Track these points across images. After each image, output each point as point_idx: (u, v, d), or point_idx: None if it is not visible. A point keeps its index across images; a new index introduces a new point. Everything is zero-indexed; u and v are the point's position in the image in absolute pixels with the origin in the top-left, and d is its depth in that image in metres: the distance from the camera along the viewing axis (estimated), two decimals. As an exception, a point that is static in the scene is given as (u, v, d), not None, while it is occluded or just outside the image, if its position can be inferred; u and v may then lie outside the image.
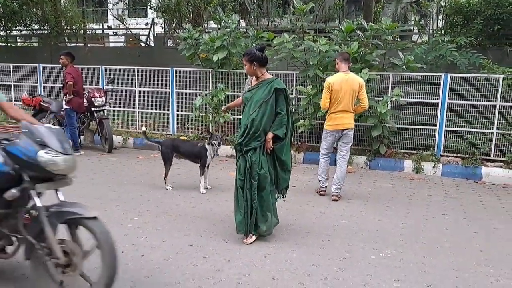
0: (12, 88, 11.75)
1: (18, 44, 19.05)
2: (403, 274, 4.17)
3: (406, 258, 4.52)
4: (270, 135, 4.75)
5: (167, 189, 6.77)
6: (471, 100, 8.24)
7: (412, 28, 16.34)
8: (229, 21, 9.48)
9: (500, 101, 8.10)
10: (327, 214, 5.87)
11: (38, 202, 3.23)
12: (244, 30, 11.73)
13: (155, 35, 18.23)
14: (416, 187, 7.35)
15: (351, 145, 6.74)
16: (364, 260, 4.45)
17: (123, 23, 18.78)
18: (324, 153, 6.70)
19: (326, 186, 6.73)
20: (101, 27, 21.67)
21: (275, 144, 4.80)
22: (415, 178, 7.93)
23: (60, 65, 9.27)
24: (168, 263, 4.25)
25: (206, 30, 13.42)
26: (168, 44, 17.28)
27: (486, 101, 8.17)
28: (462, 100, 8.29)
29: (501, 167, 7.94)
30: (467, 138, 8.35)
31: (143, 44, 18.26)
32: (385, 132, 8.39)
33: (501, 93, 8.08)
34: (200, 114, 9.50)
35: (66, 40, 17.91)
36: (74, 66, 9.06)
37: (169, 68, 10.29)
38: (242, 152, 4.82)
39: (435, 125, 8.50)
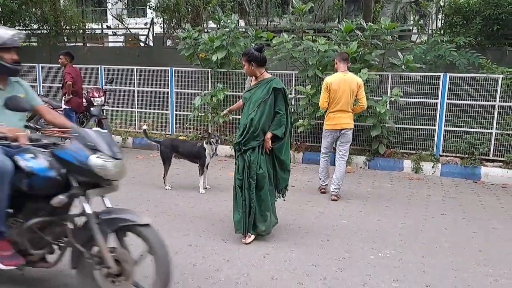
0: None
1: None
2: (402, 274, 4.17)
3: (405, 258, 4.52)
4: (269, 135, 4.75)
5: (166, 189, 6.77)
6: (470, 100, 8.25)
7: (411, 28, 16.36)
8: (228, 21, 9.48)
9: (499, 101, 8.10)
10: (326, 214, 5.88)
11: (88, 209, 3.11)
12: (244, 30, 11.73)
13: (154, 35, 18.23)
14: (415, 187, 7.35)
15: (350, 145, 6.74)
16: (363, 260, 4.45)
17: (122, 23, 18.79)
18: (324, 153, 6.74)
19: (326, 184, 6.78)
20: (100, 27, 21.64)
21: (274, 144, 4.80)
22: (414, 178, 7.94)
23: (59, 65, 9.26)
24: (167, 263, 4.25)
25: (205, 30, 13.43)
26: (167, 44, 17.28)
27: (485, 101, 8.17)
28: (461, 100, 8.30)
29: (500, 167, 7.95)
30: (466, 138, 8.35)
31: (142, 44, 18.25)
32: (384, 132, 8.39)
33: (500, 93, 8.08)
34: (199, 114, 9.50)
35: (65, 40, 17.91)
36: (73, 66, 9.05)
37: (168, 68, 10.29)
38: (240, 151, 4.82)
39: (434, 125, 8.50)
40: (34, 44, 18.44)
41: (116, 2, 19.49)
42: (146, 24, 18.28)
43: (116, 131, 10.43)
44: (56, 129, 3.45)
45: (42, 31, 16.98)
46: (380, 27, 8.55)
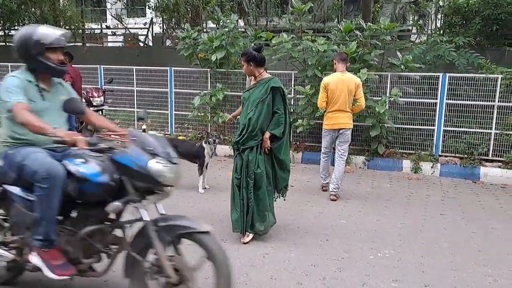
0: (11, 87, 11.71)
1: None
2: (401, 274, 4.17)
3: (404, 258, 4.53)
4: (267, 134, 4.75)
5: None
6: (469, 100, 8.25)
7: (410, 28, 16.37)
8: (228, 21, 9.48)
9: (498, 101, 8.11)
10: (326, 214, 5.88)
11: (146, 216, 2.98)
12: (243, 30, 11.73)
13: (154, 35, 18.23)
14: (414, 187, 7.36)
15: (349, 145, 6.75)
16: (362, 260, 4.45)
17: (121, 23, 18.79)
18: (323, 152, 6.79)
19: (327, 182, 6.81)
20: (99, 27, 21.65)
21: (272, 144, 4.80)
22: (413, 178, 7.94)
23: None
24: (166, 263, 4.24)
25: (205, 30, 13.43)
26: (167, 44, 17.28)
27: (485, 101, 8.17)
28: (461, 100, 8.30)
29: (499, 167, 7.95)
30: (465, 138, 8.35)
31: (141, 44, 18.25)
32: (384, 132, 8.39)
33: (500, 93, 8.08)
34: (199, 114, 9.50)
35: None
36: (73, 66, 9.04)
37: (168, 68, 10.29)
38: (239, 150, 4.83)
39: (434, 125, 8.50)
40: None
41: (116, 2, 19.51)
42: (145, 24, 18.29)
43: (115, 131, 10.39)
44: (111, 132, 3.30)
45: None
46: (380, 27, 8.55)
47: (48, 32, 3.19)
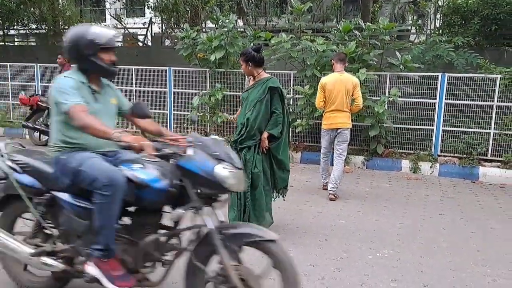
0: (10, 87, 11.73)
1: (16, 43, 19.00)
2: (400, 274, 4.18)
3: (403, 258, 4.53)
4: (265, 134, 4.76)
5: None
6: (468, 100, 8.26)
7: (409, 28, 16.35)
8: (227, 20, 9.47)
9: (497, 101, 8.12)
10: (325, 214, 5.88)
11: (210, 224, 2.86)
12: (242, 29, 11.72)
13: (153, 34, 18.20)
14: (413, 187, 7.36)
15: (348, 145, 6.75)
16: (361, 260, 4.45)
17: (120, 23, 18.75)
18: (323, 153, 6.82)
19: (327, 182, 6.82)
20: (98, 26, 21.58)
21: (271, 144, 4.81)
22: (412, 178, 7.94)
23: (57, 65, 9.25)
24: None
25: (204, 30, 13.42)
26: (166, 44, 17.25)
27: (484, 101, 8.18)
28: (460, 100, 8.31)
29: (498, 167, 7.96)
30: (464, 138, 8.36)
31: (140, 44, 18.23)
32: (383, 132, 8.39)
33: (498, 93, 8.09)
34: (198, 113, 9.50)
35: (64, 40, 17.87)
36: (72, 65, 9.05)
37: (167, 68, 10.29)
38: (237, 150, 4.84)
39: (433, 125, 8.51)
40: (33, 43, 18.44)
41: (115, 2, 19.47)
42: (144, 24, 18.25)
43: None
44: (171, 137, 3.13)
45: (41, 30, 16.95)
46: (379, 27, 8.55)
47: (102, 32, 3.09)
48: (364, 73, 8.01)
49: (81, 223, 3.00)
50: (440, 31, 11.91)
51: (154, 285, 3.15)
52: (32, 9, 16.34)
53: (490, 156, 8.21)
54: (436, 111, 8.45)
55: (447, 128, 8.47)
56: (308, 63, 8.59)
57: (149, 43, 17.77)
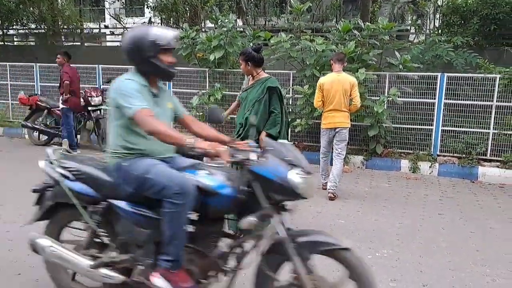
0: (9, 87, 11.72)
1: (15, 43, 18.98)
2: (400, 273, 4.17)
3: (403, 258, 4.53)
4: (263, 134, 4.75)
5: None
6: (467, 100, 8.26)
7: (409, 27, 16.36)
8: (226, 20, 9.47)
9: (496, 101, 8.12)
10: (324, 214, 5.87)
11: (283, 231, 2.77)
12: (241, 29, 11.72)
13: (152, 34, 18.19)
14: (412, 187, 7.36)
15: (347, 144, 6.76)
16: (360, 260, 4.45)
17: (120, 23, 18.75)
18: (322, 152, 6.83)
19: (326, 182, 6.82)
20: (98, 26, 21.62)
21: None
22: (411, 177, 7.94)
23: (57, 65, 9.25)
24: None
25: (203, 30, 13.42)
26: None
27: (483, 101, 8.19)
28: (459, 100, 8.31)
29: (498, 166, 7.96)
30: (463, 138, 8.37)
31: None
32: (382, 131, 8.39)
33: (498, 93, 8.10)
34: (197, 113, 9.49)
35: (63, 39, 17.87)
36: (71, 65, 9.04)
37: (166, 68, 10.26)
38: None
39: (432, 125, 8.51)
40: (32, 43, 18.41)
41: (114, 2, 19.49)
42: (144, 23, 18.24)
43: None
44: (240, 142, 3.02)
45: (40, 30, 16.94)
46: (378, 27, 8.55)
47: (162, 33, 2.96)
48: (364, 73, 8.01)
49: (142, 232, 2.90)
50: (440, 31, 11.91)
51: None
52: (31, 8, 16.33)
53: (489, 156, 8.21)
54: (436, 111, 8.45)
55: (446, 128, 8.47)
56: (307, 63, 8.59)
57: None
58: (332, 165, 6.72)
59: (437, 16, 13.84)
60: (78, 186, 3.06)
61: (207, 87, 9.74)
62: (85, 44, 17.91)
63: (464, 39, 9.77)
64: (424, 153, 8.47)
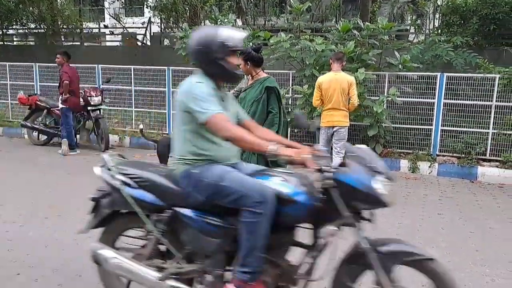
0: (8, 87, 11.72)
1: (15, 43, 18.99)
2: (399, 273, 4.16)
3: (402, 258, 4.52)
4: None
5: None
6: (467, 100, 8.26)
7: (408, 27, 16.37)
8: (225, 20, 9.47)
9: (496, 101, 8.12)
10: (323, 214, 5.86)
11: (365, 241, 2.67)
12: (241, 29, 11.71)
13: (152, 34, 18.20)
14: (412, 187, 7.36)
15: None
16: (360, 260, 4.44)
17: (119, 22, 18.76)
18: None
19: None
20: (97, 26, 21.65)
21: None
22: (411, 177, 7.94)
23: (56, 64, 9.25)
24: (164, 262, 4.22)
25: (203, 29, 13.41)
26: (165, 44, 17.26)
27: (482, 101, 8.19)
28: (458, 99, 8.31)
29: (497, 166, 7.96)
30: (463, 137, 8.37)
31: (139, 43, 18.23)
32: (381, 131, 8.39)
33: (497, 92, 8.10)
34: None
35: (63, 39, 17.87)
36: (70, 65, 9.04)
37: (166, 68, 10.28)
38: None
39: (431, 125, 8.51)
40: (31, 43, 18.41)
41: (113, 1, 19.49)
42: (143, 23, 18.26)
43: (113, 130, 10.40)
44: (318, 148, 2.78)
45: (39, 30, 16.95)
46: (377, 27, 8.55)
47: (232, 34, 2.82)
48: (363, 73, 8.01)
49: (211, 241, 2.78)
50: (439, 30, 11.93)
51: None
52: (31, 8, 16.35)
53: (489, 156, 8.21)
54: (435, 110, 8.45)
55: (445, 128, 8.47)
56: (307, 62, 8.59)
57: (148, 43, 17.77)
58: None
59: (437, 16, 13.85)
60: (141, 193, 2.90)
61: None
62: (85, 44, 17.94)
63: (464, 39, 9.78)
64: (424, 153, 8.47)
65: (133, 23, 19.66)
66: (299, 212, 2.70)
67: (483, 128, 8.24)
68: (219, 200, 2.72)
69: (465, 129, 8.35)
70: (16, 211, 5.46)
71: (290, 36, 8.99)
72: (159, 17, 17.51)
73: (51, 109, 9.52)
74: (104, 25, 21.99)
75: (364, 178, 2.60)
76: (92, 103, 9.18)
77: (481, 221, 5.76)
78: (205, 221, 2.77)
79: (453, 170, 8.08)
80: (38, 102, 9.63)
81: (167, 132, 10.33)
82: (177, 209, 2.83)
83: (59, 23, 16.85)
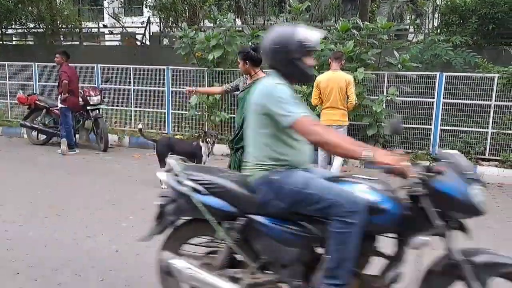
0: (7, 86, 11.71)
1: (14, 42, 18.98)
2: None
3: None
4: None
5: (162, 188, 6.75)
6: (466, 99, 8.27)
7: (407, 27, 16.36)
8: (225, 19, 9.47)
9: (495, 100, 8.13)
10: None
11: (458, 252, 2.56)
12: (240, 28, 11.73)
13: (151, 34, 18.19)
14: (411, 186, 7.34)
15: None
16: (359, 259, 4.44)
17: (119, 22, 18.75)
18: (320, 149, 6.84)
19: None
20: (97, 25, 21.65)
21: None
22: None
23: (55, 64, 9.25)
24: (163, 262, 4.23)
25: (202, 29, 13.42)
26: (164, 43, 17.25)
27: (482, 100, 8.20)
28: (458, 99, 8.32)
29: (496, 166, 7.97)
30: (462, 137, 8.38)
31: (139, 43, 18.22)
32: (381, 131, 8.40)
33: (496, 92, 8.11)
34: (196, 112, 9.50)
35: (62, 39, 17.86)
36: (70, 64, 9.04)
37: (165, 67, 10.28)
38: (233, 150, 4.87)
39: (431, 124, 8.52)
40: (31, 43, 18.41)
41: (113, 1, 19.49)
42: (142, 23, 18.24)
43: (112, 130, 10.40)
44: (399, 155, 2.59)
45: (39, 30, 16.94)
46: (377, 26, 8.56)
47: (310, 33, 2.70)
48: (362, 72, 8.02)
49: (289, 251, 2.66)
50: (438, 30, 11.94)
51: None
52: (30, 8, 16.33)
53: (488, 155, 8.22)
54: (434, 110, 8.46)
55: (445, 127, 8.48)
56: (306, 62, 8.58)
57: (147, 42, 17.76)
58: (330, 164, 6.73)
59: (436, 15, 13.86)
60: (212, 200, 2.76)
61: (206, 86, 9.73)
62: (84, 44, 17.92)
63: (463, 38, 9.79)
64: (423, 152, 8.48)
65: (132, 22, 19.65)
66: (387, 221, 2.58)
67: (482, 128, 8.25)
68: (303, 208, 2.61)
69: (464, 128, 8.36)
70: (16, 211, 5.46)
71: (290, 36, 8.98)
72: (158, 16, 17.52)
73: (50, 108, 9.51)
74: (103, 25, 21.98)
75: (461, 186, 2.49)
76: (91, 103, 9.18)
77: (480, 221, 5.69)
78: (283, 230, 2.65)
79: (452, 170, 8.06)
80: (37, 102, 9.62)
81: (166, 132, 10.34)
82: (252, 216, 2.70)
83: (58, 22, 16.83)
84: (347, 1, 20.36)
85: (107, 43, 20.29)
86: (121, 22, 18.70)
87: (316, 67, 8.51)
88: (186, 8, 16.04)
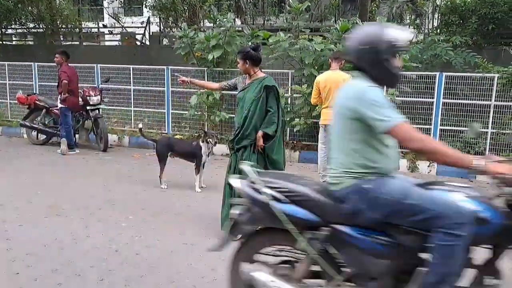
0: (7, 86, 11.71)
1: (14, 42, 18.98)
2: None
3: (401, 257, 4.52)
4: (260, 133, 4.76)
5: (162, 188, 6.76)
6: (466, 99, 8.27)
7: (407, 27, 16.37)
8: (224, 19, 9.47)
9: (494, 100, 8.13)
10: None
11: None
12: (240, 28, 11.74)
13: (151, 34, 18.20)
14: (411, 186, 7.35)
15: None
16: (359, 259, 4.44)
17: (118, 22, 18.76)
18: (320, 148, 7.11)
19: (325, 181, 6.85)
20: (96, 25, 21.67)
21: (266, 143, 4.81)
22: (410, 177, 7.93)
23: (55, 64, 9.25)
24: (163, 262, 4.24)
25: (202, 29, 13.43)
26: (164, 43, 17.26)
27: (481, 100, 8.20)
28: (457, 99, 8.32)
29: (496, 166, 7.95)
30: (462, 137, 8.38)
31: (138, 43, 18.24)
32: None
33: (496, 92, 8.11)
34: (196, 112, 9.50)
35: (62, 39, 17.86)
36: (69, 64, 9.04)
37: (165, 67, 10.28)
38: (234, 150, 4.87)
39: (430, 124, 8.52)
40: (30, 42, 18.41)
41: (113, 1, 19.49)
42: (142, 23, 18.26)
43: (112, 130, 10.41)
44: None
45: (38, 29, 16.94)
46: (376, 26, 8.55)
47: (399, 33, 2.60)
48: (362, 72, 8.01)
49: (379, 263, 2.54)
50: (438, 30, 11.95)
51: None
52: (30, 8, 16.34)
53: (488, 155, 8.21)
54: (434, 110, 8.46)
55: (444, 127, 8.48)
56: (306, 62, 8.59)
57: (147, 42, 17.77)
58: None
59: (436, 15, 13.87)
60: (293, 209, 2.62)
61: (206, 86, 9.74)
62: (84, 44, 17.93)
63: (463, 38, 9.80)
64: (423, 152, 8.47)
65: (132, 22, 19.67)
66: (489, 231, 2.43)
67: (482, 128, 8.25)
68: (400, 220, 2.48)
69: (464, 128, 8.35)
70: (16, 211, 5.47)
71: (289, 36, 9.00)
72: (158, 16, 17.54)
73: (50, 108, 9.52)
74: (103, 25, 21.99)
75: None
76: (91, 103, 9.18)
77: None
78: (373, 240, 2.52)
79: (452, 170, 8.04)
80: (37, 102, 9.63)
81: (166, 132, 10.34)
82: (338, 226, 2.58)
83: (58, 22, 16.84)
84: (347, 1, 20.39)
85: (107, 43, 20.29)
86: (121, 22, 18.72)
87: (316, 67, 8.54)
88: (186, 8, 16.06)
